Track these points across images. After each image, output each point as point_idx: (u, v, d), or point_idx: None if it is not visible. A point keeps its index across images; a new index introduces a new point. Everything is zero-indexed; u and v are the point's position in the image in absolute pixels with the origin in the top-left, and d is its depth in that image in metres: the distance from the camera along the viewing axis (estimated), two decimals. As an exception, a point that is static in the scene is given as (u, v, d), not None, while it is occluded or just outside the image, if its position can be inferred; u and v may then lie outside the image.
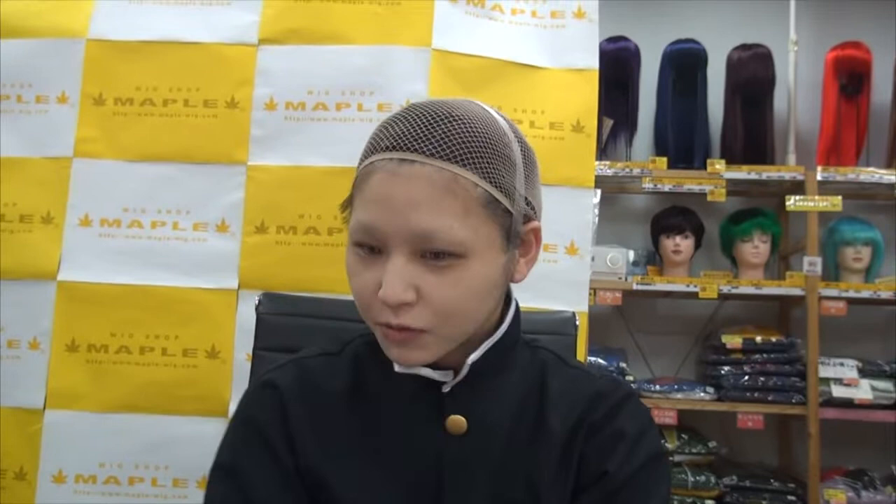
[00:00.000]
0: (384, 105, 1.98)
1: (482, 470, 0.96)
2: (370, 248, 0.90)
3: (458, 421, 0.96)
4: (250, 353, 1.54)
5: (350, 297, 1.44)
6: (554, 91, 2.02)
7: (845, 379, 3.04)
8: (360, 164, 0.94)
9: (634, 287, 3.09)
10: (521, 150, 0.95)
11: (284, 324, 1.53)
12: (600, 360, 3.11)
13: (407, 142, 0.88)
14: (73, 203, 2.00)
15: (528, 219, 0.95)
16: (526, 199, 0.94)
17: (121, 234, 1.99)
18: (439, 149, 0.87)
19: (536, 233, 0.98)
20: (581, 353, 1.78)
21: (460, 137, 0.88)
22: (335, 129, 1.98)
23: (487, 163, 0.89)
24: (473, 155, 0.88)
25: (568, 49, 2.07)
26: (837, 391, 3.02)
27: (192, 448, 1.90)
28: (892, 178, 3.12)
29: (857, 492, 2.96)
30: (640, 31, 3.43)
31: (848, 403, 3.01)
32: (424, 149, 0.87)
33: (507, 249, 0.93)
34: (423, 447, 0.97)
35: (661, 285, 3.13)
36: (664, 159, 3.20)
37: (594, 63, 2.06)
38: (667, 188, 3.18)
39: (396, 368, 0.96)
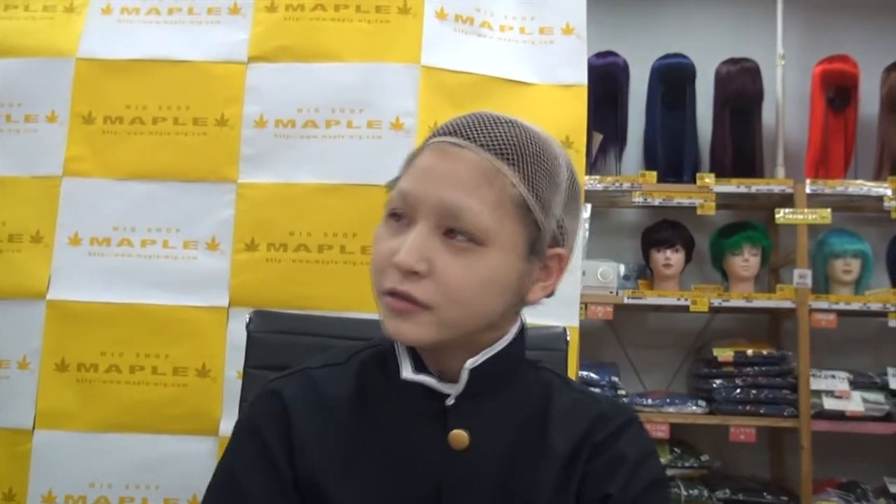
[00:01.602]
0: (374, 122, 1.98)
1: (482, 487, 0.96)
2: (400, 217, 0.94)
3: (460, 436, 0.96)
4: (241, 370, 1.53)
5: (340, 315, 1.44)
6: (543, 107, 2.03)
7: (837, 391, 3.04)
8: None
9: (625, 301, 3.09)
10: (569, 180, 0.99)
11: (275, 341, 1.52)
12: (592, 375, 3.10)
13: (463, 130, 0.95)
14: (63, 222, 1.99)
15: (556, 243, 0.97)
16: (560, 223, 0.97)
17: (110, 252, 1.98)
18: (491, 143, 0.93)
19: (560, 261, 0.99)
20: (572, 368, 1.78)
21: (514, 140, 0.94)
22: (325, 147, 1.99)
23: (532, 171, 0.94)
24: (521, 159, 0.93)
25: (556, 65, 2.08)
26: (829, 403, 3.02)
27: (183, 467, 1.89)
28: (881, 190, 3.13)
29: (850, 504, 2.97)
30: (628, 46, 3.45)
31: (839, 416, 3.01)
32: (477, 139, 0.93)
33: (527, 260, 0.95)
34: (425, 460, 0.97)
35: (651, 299, 3.13)
36: (654, 173, 3.21)
37: (583, 79, 2.07)
38: (657, 202, 3.19)
39: (403, 375, 0.97)
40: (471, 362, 0.96)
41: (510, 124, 0.96)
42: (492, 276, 0.92)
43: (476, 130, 0.94)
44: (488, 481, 0.96)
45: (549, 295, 1.02)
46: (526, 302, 1.00)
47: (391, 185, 0.99)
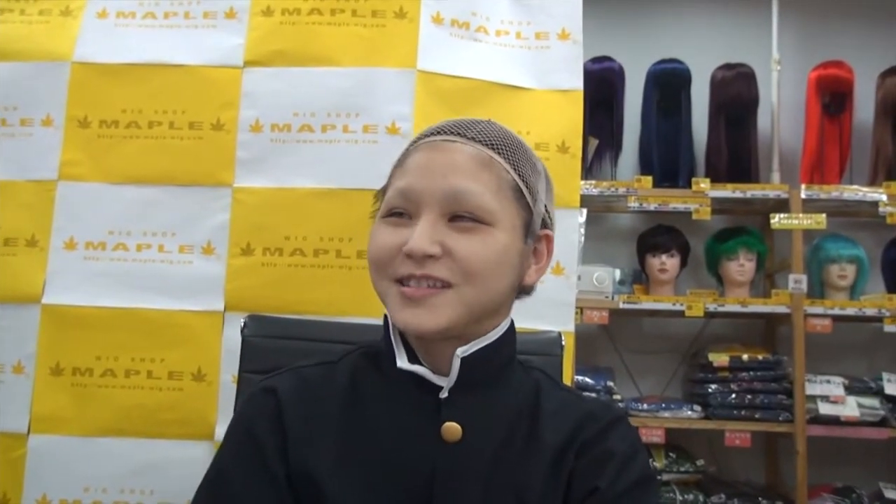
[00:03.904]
0: (369, 127, 1.98)
1: (473, 480, 0.97)
2: (401, 214, 0.97)
3: (453, 428, 0.98)
4: (236, 375, 1.53)
5: (336, 319, 1.44)
6: (539, 112, 2.03)
7: (832, 396, 3.05)
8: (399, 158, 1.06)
9: (621, 306, 3.10)
10: (544, 169, 1.08)
11: (270, 346, 1.53)
12: (587, 380, 3.11)
13: (451, 129, 1.02)
14: (58, 226, 1.98)
15: (545, 225, 1.05)
16: (546, 207, 1.05)
17: (106, 256, 1.98)
18: (479, 136, 1.01)
19: (549, 242, 1.07)
20: (568, 373, 1.78)
21: (497, 133, 1.03)
22: (321, 151, 1.98)
23: (517, 159, 1.02)
24: (507, 148, 1.02)
25: (552, 70, 2.07)
26: (824, 408, 3.03)
27: (178, 472, 1.88)
28: (876, 195, 3.14)
29: (845, 509, 2.97)
30: (624, 52, 3.46)
31: (835, 421, 3.02)
32: (465, 133, 1.01)
33: (525, 241, 1.01)
34: (418, 453, 0.98)
35: (647, 304, 3.14)
36: (649, 178, 3.22)
37: (579, 84, 2.06)
38: (652, 207, 3.20)
39: (398, 364, 0.99)
40: (461, 350, 0.98)
41: (489, 122, 1.04)
42: (502, 251, 0.97)
43: (463, 127, 1.02)
44: (479, 474, 0.98)
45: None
46: (523, 286, 1.05)
47: (382, 191, 1.03)
